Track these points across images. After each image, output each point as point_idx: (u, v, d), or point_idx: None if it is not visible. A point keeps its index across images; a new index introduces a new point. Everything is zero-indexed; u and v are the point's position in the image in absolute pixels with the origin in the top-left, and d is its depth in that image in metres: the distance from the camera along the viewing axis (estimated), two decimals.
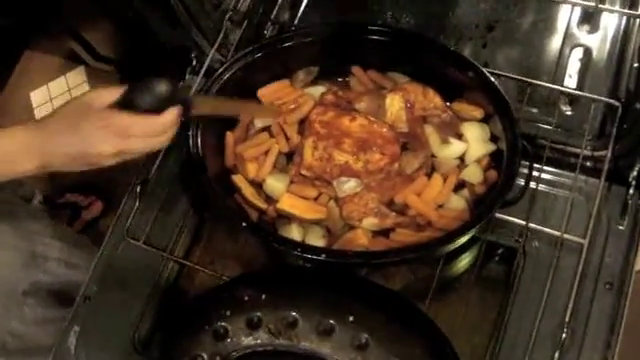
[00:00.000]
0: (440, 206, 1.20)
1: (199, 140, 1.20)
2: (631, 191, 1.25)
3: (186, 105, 1.04)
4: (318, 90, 1.34)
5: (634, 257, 1.23)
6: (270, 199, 1.24)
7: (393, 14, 1.55)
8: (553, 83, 1.35)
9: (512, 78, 1.33)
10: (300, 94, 1.33)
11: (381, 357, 1.02)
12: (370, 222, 1.18)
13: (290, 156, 1.28)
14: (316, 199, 1.23)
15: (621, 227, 1.26)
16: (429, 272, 1.24)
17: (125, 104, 0.99)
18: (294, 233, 1.19)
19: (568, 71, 1.43)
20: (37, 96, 2.64)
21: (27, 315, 1.56)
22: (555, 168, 1.32)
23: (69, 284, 1.65)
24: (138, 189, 1.35)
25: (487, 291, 1.29)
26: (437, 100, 1.27)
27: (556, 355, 1.14)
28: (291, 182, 1.24)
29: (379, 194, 1.20)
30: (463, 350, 1.07)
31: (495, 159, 1.22)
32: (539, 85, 1.32)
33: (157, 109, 1.00)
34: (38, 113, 2.61)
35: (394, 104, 1.25)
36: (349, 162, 1.20)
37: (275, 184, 1.24)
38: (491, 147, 1.23)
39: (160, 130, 1.01)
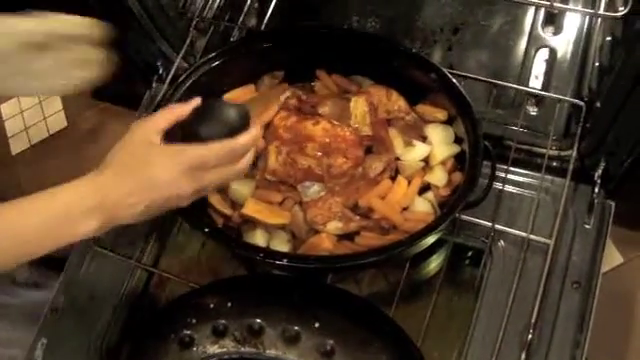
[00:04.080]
0: (405, 209, 1.19)
1: None
2: (596, 190, 1.26)
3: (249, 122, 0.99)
4: (283, 95, 1.32)
5: (601, 256, 1.23)
6: (235, 204, 1.23)
7: (359, 19, 1.55)
8: (519, 84, 1.36)
9: (477, 79, 1.33)
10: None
11: None
12: (334, 226, 1.17)
13: (254, 160, 1.26)
14: (281, 204, 1.22)
15: (588, 226, 1.26)
16: (401, 276, 1.24)
17: (190, 135, 0.93)
18: (259, 238, 1.19)
19: (534, 72, 1.44)
20: (7, 108, 2.61)
21: None
22: (522, 169, 1.32)
23: (41, 305, 1.63)
24: None
25: (456, 294, 1.29)
26: (401, 102, 1.27)
27: (523, 356, 1.14)
28: (256, 187, 1.23)
29: (343, 198, 1.19)
30: (431, 354, 1.07)
31: (460, 161, 1.22)
32: (505, 86, 1.33)
33: (228, 136, 0.94)
34: (9, 126, 2.59)
35: (358, 107, 1.25)
36: (312, 166, 1.19)
37: (240, 189, 1.22)
38: (455, 149, 1.23)
39: (240, 155, 0.96)
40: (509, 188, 1.30)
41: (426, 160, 1.24)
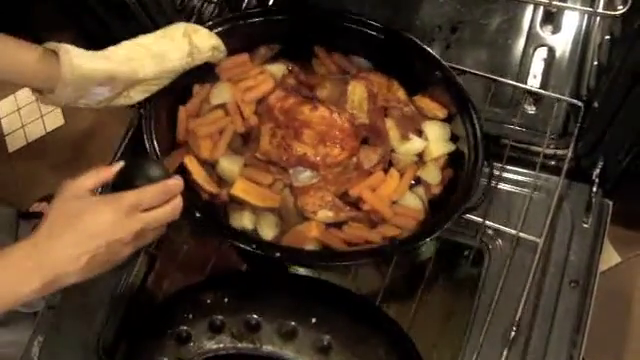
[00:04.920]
0: (394, 202, 1.19)
1: (151, 121, 1.18)
2: (594, 189, 1.25)
3: None
4: (279, 69, 1.31)
5: (599, 255, 1.23)
6: (222, 180, 1.22)
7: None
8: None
9: (477, 74, 1.33)
10: (260, 71, 1.30)
11: (344, 359, 1.01)
12: (325, 215, 1.17)
13: (245, 136, 1.25)
14: (270, 186, 1.21)
15: (585, 225, 1.26)
16: (397, 273, 1.24)
17: (120, 186, 0.94)
18: (246, 220, 1.18)
19: (532, 71, 1.44)
20: (5, 106, 2.61)
21: None
22: (518, 167, 1.32)
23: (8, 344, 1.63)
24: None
25: (453, 291, 1.29)
26: (401, 93, 1.26)
27: (504, 352, 1.14)
28: (245, 165, 1.22)
29: (335, 187, 1.19)
30: (427, 350, 1.07)
31: (452, 158, 1.22)
32: (503, 84, 1.33)
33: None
34: (5, 123, 2.58)
35: (356, 92, 1.24)
36: (307, 154, 1.18)
37: (229, 167, 1.21)
38: (451, 147, 1.22)
39: (172, 194, 0.96)
40: (505, 186, 1.30)
41: (420, 155, 1.23)
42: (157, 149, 1.17)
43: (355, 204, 1.19)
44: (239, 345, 1.04)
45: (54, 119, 2.54)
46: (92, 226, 0.87)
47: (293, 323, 1.03)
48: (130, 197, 0.91)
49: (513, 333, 1.14)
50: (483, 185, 1.16)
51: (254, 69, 1.30)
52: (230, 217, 1.19)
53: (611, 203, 1.27)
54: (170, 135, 1.25)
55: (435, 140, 1.23)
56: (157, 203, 0.94)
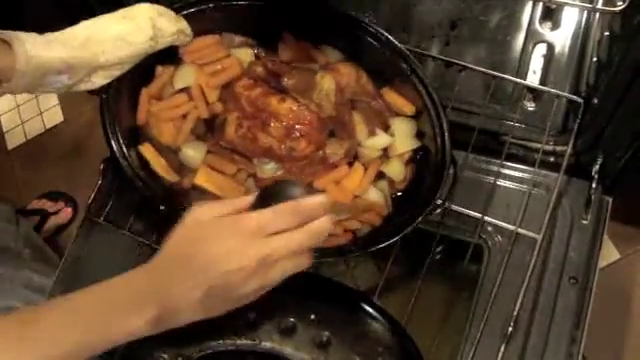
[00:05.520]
0: (357, 196, 1.19)
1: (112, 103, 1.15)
2: (594, 185, 1.25)
3: None
4: (246, 54, 1.26)
5: (598, 251, 1.23)
6: (185, 167, 1.20)
7: (356, 13, 1.53)
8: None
9: (477, 70, 1.32)
10: (226, 54, 1.26)
11: (343, 355, 1.01)
12: None
13: (209, 121, 1.23)
14: (234, 175, 1.20)
15: (585, 222, 1.26)
16: (395, 269, 1.23)
17: None
18: None
19: (531, 67, 1.44)
20: (3, 103, 2.61)
21: None
22: (518, 164, 1.32)
23: None
24: (101, 166, 1.32)
25: (451, 287, 1.29)
26: (369, 87, 1.23)
27: (502, 348, 1.14)
28: (209, 152, 1.20)
29: (299, 179, 1.18)
30: (425, 346, 1.07)
31: (418, 154, 1.22)
32: (502, 81, 1.32)
33: None
34: (5, 120, 2.58)
35: (325, 82, 1.21)
36: (273, 147, 1.17)
37: (192, 154, 1.19)
38: (416, 143, 1.21)
39: (308, 216, 0.80)
40: (504, 182, 1.30)
41: (385, 149, 1.22)
42: (118, 134, 1.15)
43: None
44: (238, 342, 1.04)
45: (53, 116, 2.54)
46: (207, 255, 0.76)
47: (292, 319, 1.03)
48: (251, 218, 0.78)
49: (510, 329, 1.14)
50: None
51: (220, 52, 1.25)
52: (192, 205, 1.18)
53: (610, 199, 1.27)
54: (132, 119, 1.22)
55: (401, 136, 1.21)
56: (287, 226, 0.79)
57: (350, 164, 1.21)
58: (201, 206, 0.83)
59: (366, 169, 1.20)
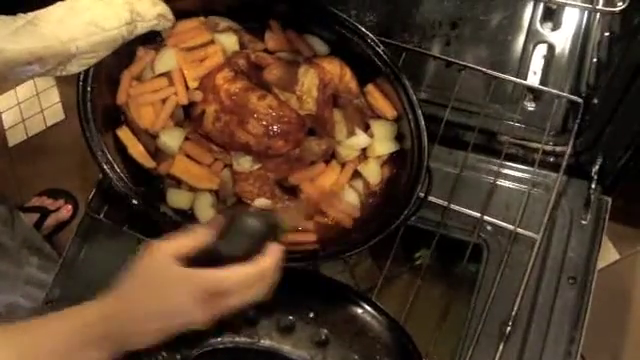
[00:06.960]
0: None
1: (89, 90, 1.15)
2: (593, 186, 1.25)
3: (277, 232, 0.91)
4: (230, 40, 1.23)
5: (597, 251, 1.23)
6: (162, 152, 1.20)
7: (357, 12, 1.54)
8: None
9: (477, 70, 1.32)
10: (209, 39, 1.23)
11: (341, 353, 1.02)
12: (262, 203, 1.17)
13: (188, 107, 1.21)
14: (210, 165, 1.20)
15: (584, 222, 1.26)
16: (395, 268, 1.24)
17: (210, 253, 0.84)
18: (183, 197, 1.18)
19: (532, 68, 1.44)
20: (5, 100, 2.61)
21: None
22: (518, 164, 1.33)
23: None
24: None
25: (450, 286, 1.29)
26: (353, 85, 1.21)
27: (500, 347, 1.14)
28: (186, 138, 1.20)
29: (274, 174, 1.19)
30: (424, 344, 1.07)
31: (395, 157, 1.21)
32: (503, 81, 1.32)
33: (253, 250, 0.86)
34: (6, 118, 2.58)
35: (307, 77, 1.19)
36: (250, 143, 1.15)
37: (169, 142, 1.19)
38: (395, 146, 1.20)
39: (260, 278, 0.85)
40: (504, 182, 1.30)
41: (363, 149, 1.21)
42: (90, 114, 1.17)
43: (293, 190, 1.19)
44: (237, 339, 1.04)
45: (54, 113, 2.54)
46: (168, 307, 0.81)
47: (291, 317, 1.03)
48: (213, 281, 0.82)
49: (509, 328, 1.15)
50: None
51: (203, 36, 1.23)
52: (167, 194, 1.19)
53: (610, 200, 1.27)
54: (112, 102, 1.21)
55: (381, 139, 1.20)
56: (246, 290, 0.84)
57: (327, 162, 1.20)
58: (159, 246, 0.85)
59: (342, 168, 1.20)
